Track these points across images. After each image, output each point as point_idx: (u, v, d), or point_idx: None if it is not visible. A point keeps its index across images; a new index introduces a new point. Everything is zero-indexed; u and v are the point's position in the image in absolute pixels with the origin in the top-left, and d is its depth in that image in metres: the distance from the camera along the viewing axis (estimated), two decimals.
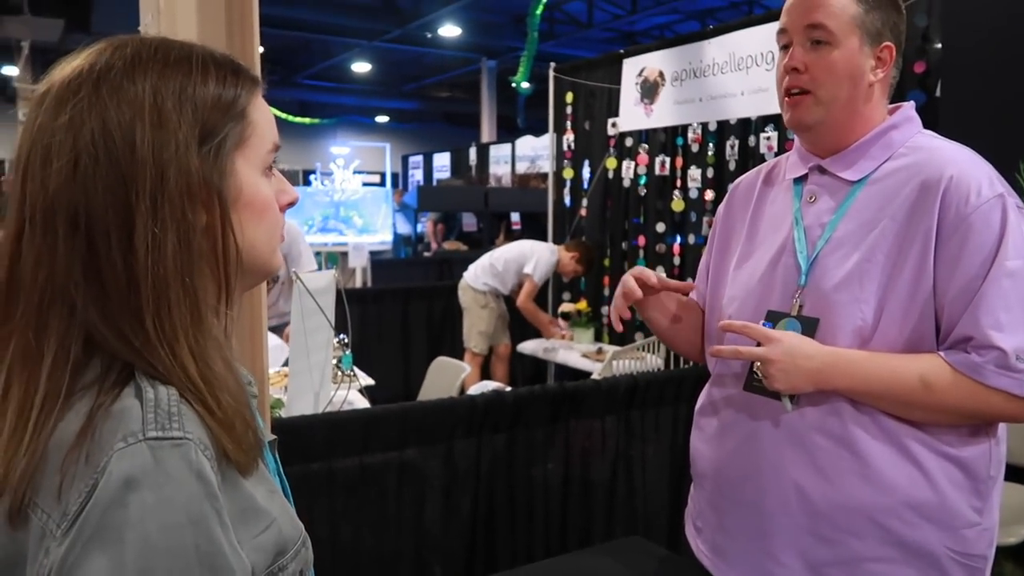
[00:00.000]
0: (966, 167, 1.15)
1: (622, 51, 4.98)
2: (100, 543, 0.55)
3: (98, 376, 0.61)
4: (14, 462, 0.59)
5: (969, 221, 1.11)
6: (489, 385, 2.64)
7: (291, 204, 0.74)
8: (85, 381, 0.61)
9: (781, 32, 1.26)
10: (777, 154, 3.91)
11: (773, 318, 1.25)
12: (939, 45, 3.02)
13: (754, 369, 1.26)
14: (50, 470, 0.58)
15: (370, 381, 2.84)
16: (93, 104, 0.62)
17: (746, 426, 1.27)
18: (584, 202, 5.18)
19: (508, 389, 2.27)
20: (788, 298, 1.24)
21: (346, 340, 2.46)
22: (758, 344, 1.18)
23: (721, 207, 1.49)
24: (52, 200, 0.61)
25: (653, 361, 4.13)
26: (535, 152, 11.10)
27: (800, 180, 1.31)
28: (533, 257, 4.61)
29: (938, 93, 3.00)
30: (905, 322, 1.15)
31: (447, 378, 3.11)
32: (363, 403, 2.39)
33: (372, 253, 8.61)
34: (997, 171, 1.18)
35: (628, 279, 1.37)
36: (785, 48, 1.26)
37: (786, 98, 1.26)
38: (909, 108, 1.28)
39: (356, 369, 2.61)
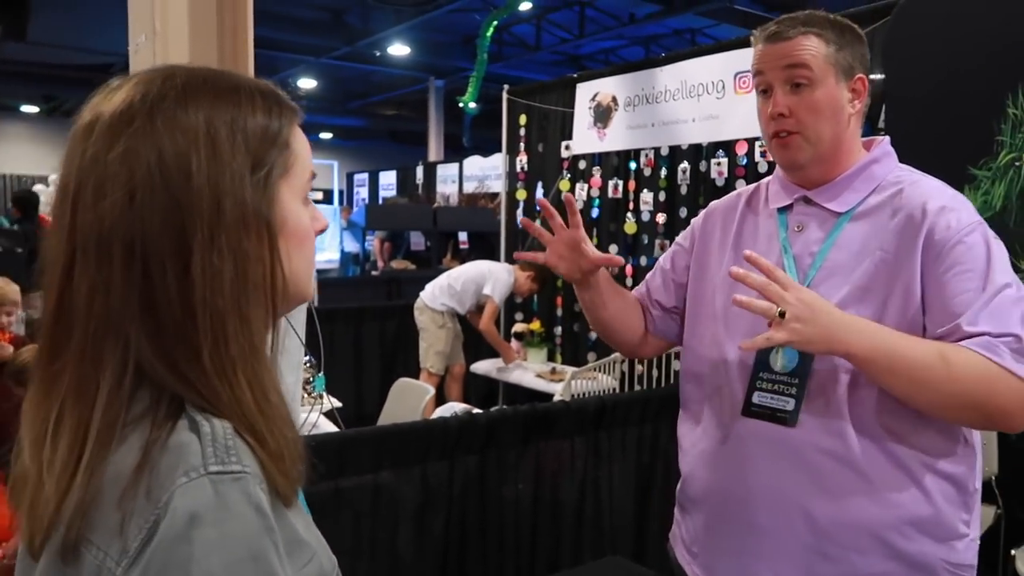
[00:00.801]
0: (946, 200, 1.21)
1: (575, 75, 5.08)
2: None
3: (147, 408, 0.61)
4: (67, 497, 0.58)
5: (953, 246, 1.17)
6: (456, 407, 2.64)
7: (322, 231, 0.75)
8: (135, 413, 0.61)
9: (758, 75, 1.30)
10: (727, 179, 4.04)
11: (766, 348, 1.24)
12: (881, 76, 3.17)
13: (752, 397, 1.27)
14: (106, 506, 0.57)
15: (338, 404, 2.81)
16: (148, 134, 0.61)
17: (743, 450, 1.28)
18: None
19: (477, 411, 2.28)
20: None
21: (313, 361, 2.44)
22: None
23: (696, 228, 1.50)
24: (109, 231, 0.60)
25: (607, 381, 4.18)
26: (483, 172, 11.15)
27: (784, 210, 1.34)
28: (491, 278, 4.64)
29: (881, 124, 3.16)
30: None
31: (410, 400, 3.09)
32: (330, 427, 2.36)
33: (319, 271, 8.50)
34: None
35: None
36: (764, 93, 1.29)
37: (774, 140, 1.29)
38: (886, 143, 1.33)
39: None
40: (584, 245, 1.40)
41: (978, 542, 1.26)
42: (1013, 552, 2.35)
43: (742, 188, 1.50)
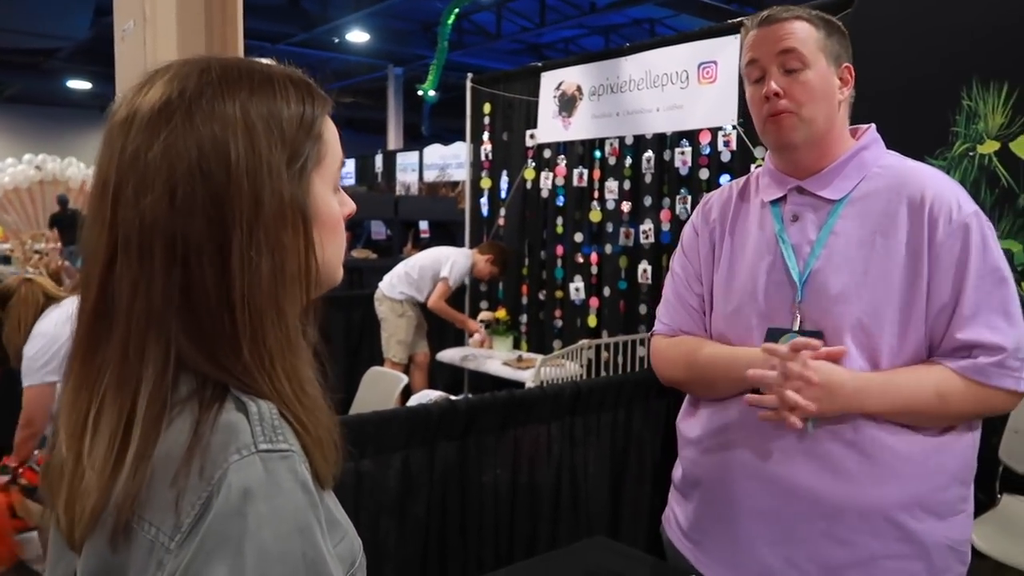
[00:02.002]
0: (943, 186, 1.26)
1: (540, 64, 5.09)
2: (221, 553, 0.56)
3: (193, 390, 0.62)
4: (112, 487, 0.59)
5: (957, 234, 1.21)
6: (432, 394, 2.65)
7: (350, 216, 0.75)
8: (179, 396, 0.62)
9: (751, 64, 1.32)
10: (691, 168, 4.10)
11: (774, 335, 1.28)
12: None
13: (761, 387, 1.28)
14: (158, 485, 0.58)
15: None
16: (187, 131, 0.62)
17: (754, 440, 1.31)
18: (502, 212, 5.25)
19: (454, 398, 2.30)
20: (786, 314, 1.29)
21: None
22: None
23: (695, 224, 1.49)
24: (150, 228, 0.61)
25: (573, 368, 4.23)
26: (444, 160, 11.12)
27: (777, 202, 1.36)
28: (448, 261, 4.65)
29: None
30: (903, 330, 1.23)
31: (383, 388, 3.10)
32: None
33: None
34: None
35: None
36: (758, 81, 1.31)
37: (768, 120, 1.30)
38: (872, 131, 1.36)
39: None
40: None
41: (972, 515, 1.31)
42: None
43: (732, 181, 1.51)
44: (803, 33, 1.28)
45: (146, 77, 0.67)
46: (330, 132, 0.71)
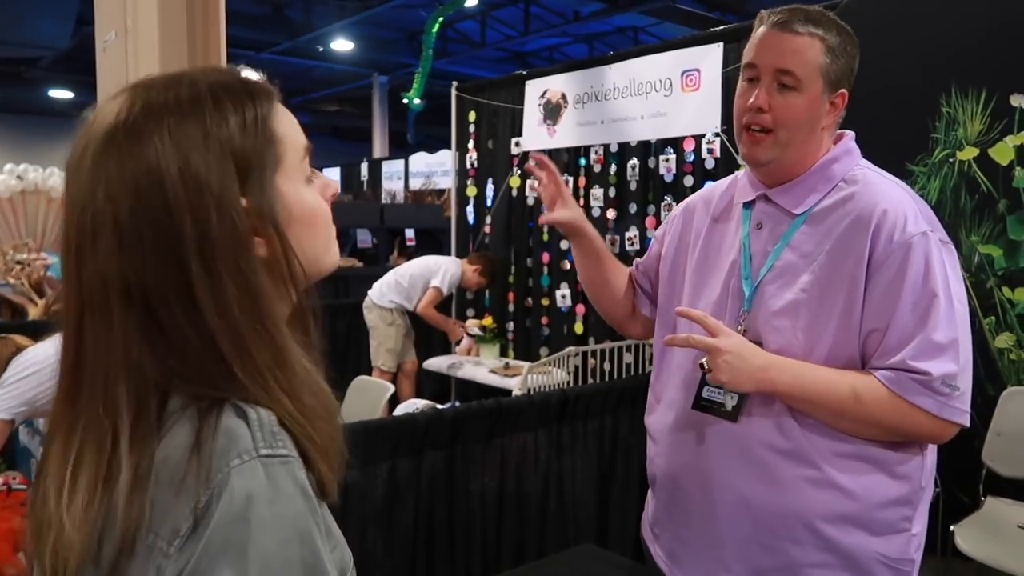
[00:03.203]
0: (896, 204, 1.23)
1: (525, 72, 5.11)
2: (226, 558, 0.56)
3: (184, 403, 0.61)
4: (93, 537, 0.58)
5: (897, 255, 1.19)
6: (418, 403, 2.64)
7: (335, 196, 0.74)
8: (173, 408, 0.61)
9: (749, 66, 1.29)
10: (676, 175, 4.12)
11: None
12: None
13: (702, 392, 1.32)
14: (160, 490, 0.58)
15: None
16: (121, 175, 0.60)
17: (697, 441, 1.32)
18: (488, 219, 5.26)
19: (440, 407, 2.29)
20: (734, 322, 1.30)
21: None
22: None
23: (672, 220, 1.53)
24: (104, 278, 0.60)
25: (560, 375, 4.23)
26: (429, 168, 11.11)
27: (749, 205, 1.37)
28: (440, 270, 4.65)
29: None
30: (836, 349, 1.22)
31: (370, 398, 3.09)
32: None
33: None
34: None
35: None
36: (750, 81, 1.29)
37: (745, 132, 1.29)
38: (849, 140, 1.35)
39: None
40: (562, 199, 1.49)
41: (923, 536, 1.30)
42: (952, 528, 2.47)
43: (728, 176, 1.50)
44: (809, 54, 1.24)
45: (92, 114, 0.65)
46: (284, 125, 0.68)
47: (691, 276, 1.43)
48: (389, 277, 4.76)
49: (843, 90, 1.29)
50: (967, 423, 1.20)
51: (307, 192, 0.70)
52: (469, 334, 4.90)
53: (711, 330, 1.23)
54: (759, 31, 1.29)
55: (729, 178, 1.49)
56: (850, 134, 1.36)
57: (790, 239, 1.29)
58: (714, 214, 1.44)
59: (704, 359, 1.24)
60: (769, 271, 1.29)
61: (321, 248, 0.71)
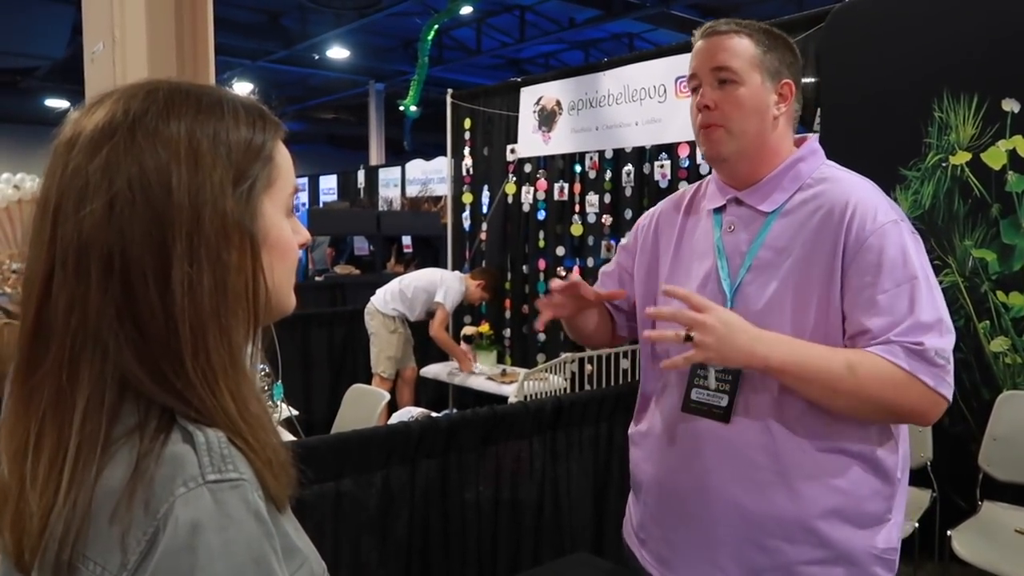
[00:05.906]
0: (865, 196, 1.27)
1: (519, 79, 5.12)
2: None
3: (137, 423, 0.60)
4: (53, 512, 0.58)
5: (870, 242, 1.22)
6: (413, 411, 2.64)
7: (304, 245, 0.75)
8: (124, 428, 0.60)
9: (691, 78, 1.35)
10: (671, 181, 4.13)
11: None
12: (815, 80, 3.30)
13: (691, 394, 1.33)
14: (101, 520, 0.57)
15: (295, 412, 2.78)
16: (129, 148, 0.61)
17: (687, 444, 1.33)
18: (484, 226, 5.26)
19: (435, 415, 2.29)
20: None
21: (268, 370, 2.41)
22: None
23: (639, 228, 1.55)
24: (86, 242, 0.60)
25: (557, 382, 4.23)
26: (426, 175, 11.11)
27: (719, 210, 1.39)
28: (443, 286, 4.65)
29: (816, 126, 3.28)
30: (821, 339, 1.23)
31: (366, 406, 3.08)
32: (287, 435, 2.34)
33: None
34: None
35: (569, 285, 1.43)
36: (696, 90, 1.35)
37: (701, 133, 1.34)
38: (813, 141, 1.39)
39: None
40: (584, 291, 1.45)
41: (901, 524, 1.32)
42: (949, 533, 2.46)
43: (686, 187, 1.54)
44: (739, 48, 1.30)
45: (94, 100, 0.66)
46: (282, 156, 0.71)
47: (668, 279, 1.44)
48: (393, 285, 4.76)
49: (787, 80, 1.34)
50: (950, 399, 1.21)
51: (286, 224, 0.71)
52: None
53: (697, 306, 1.21)
54: (695, 46, 1.36)
55: (694, 184, 1.52)
56: (814, 136, 1.41)
57: (764, 238, 1.31)
58: (684, 215, 1.46)
59: (692, 333, 1.21)
60: (748, 271, 1.31)
61: (286, 283, 0.72)
